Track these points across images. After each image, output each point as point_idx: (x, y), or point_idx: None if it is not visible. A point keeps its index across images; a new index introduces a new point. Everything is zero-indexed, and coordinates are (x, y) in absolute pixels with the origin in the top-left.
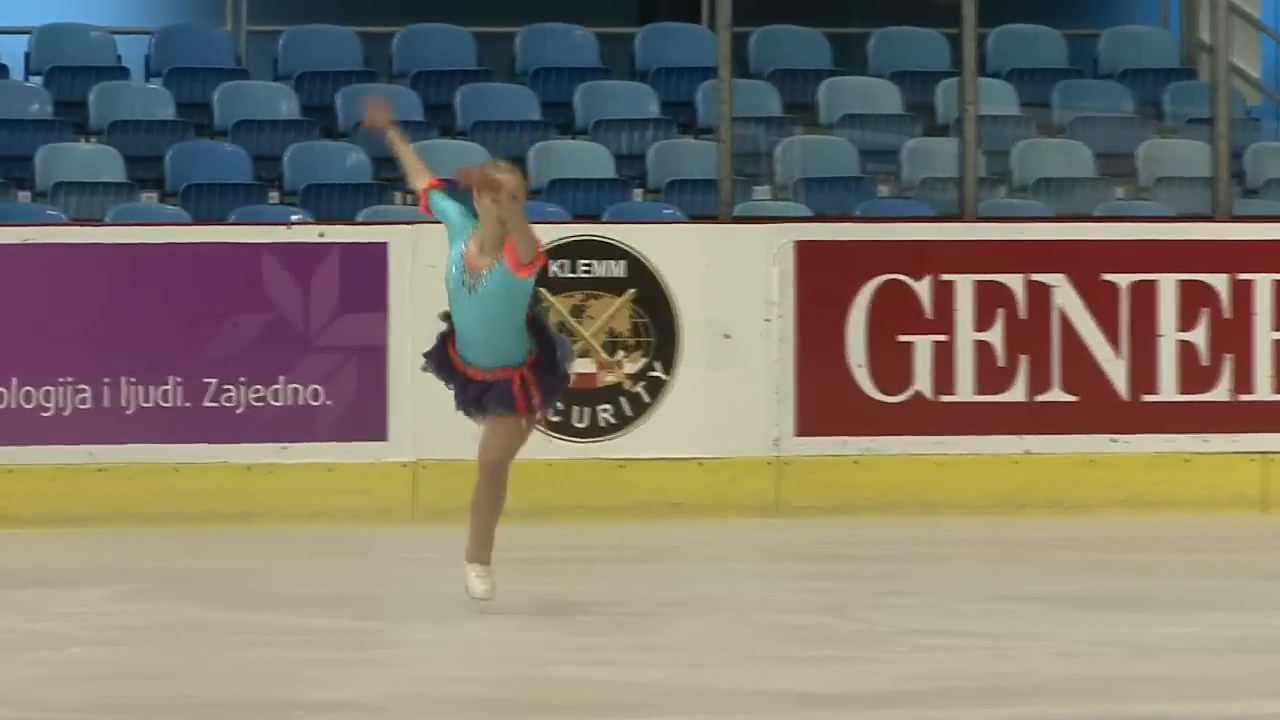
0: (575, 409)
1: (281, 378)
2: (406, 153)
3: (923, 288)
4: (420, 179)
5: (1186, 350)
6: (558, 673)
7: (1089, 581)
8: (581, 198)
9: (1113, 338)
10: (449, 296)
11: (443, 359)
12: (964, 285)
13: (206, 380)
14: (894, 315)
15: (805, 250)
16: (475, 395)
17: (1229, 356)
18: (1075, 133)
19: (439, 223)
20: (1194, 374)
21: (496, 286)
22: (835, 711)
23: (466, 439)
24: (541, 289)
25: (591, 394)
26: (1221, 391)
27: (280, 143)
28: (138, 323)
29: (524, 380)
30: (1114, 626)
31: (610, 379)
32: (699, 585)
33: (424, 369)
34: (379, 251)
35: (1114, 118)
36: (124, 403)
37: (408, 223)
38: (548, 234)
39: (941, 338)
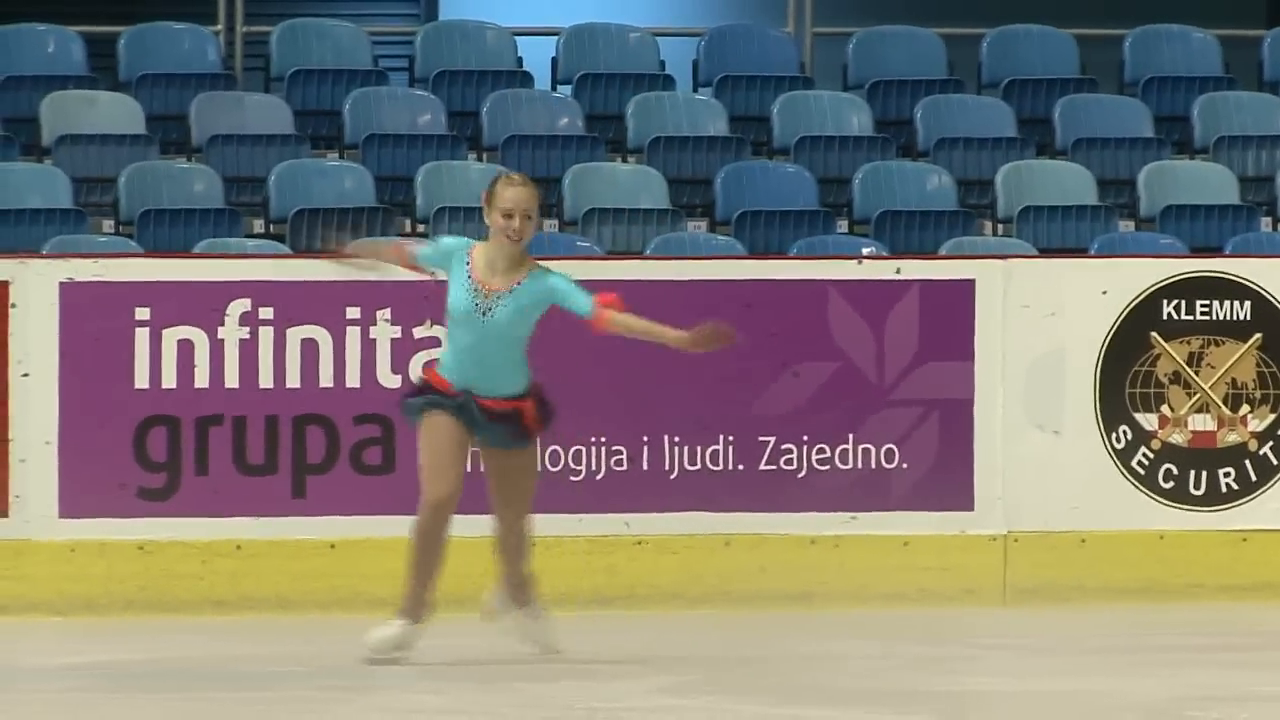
0: (1192, 473)
1: (851, 436)
2: (368, 260)
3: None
4: (395, 260)
5: None
6: None
7: None
8: (1200, 227)
9: None
10: (455, 322)
11: (432, 390)
12: None
13: (763, 439)
14: None
15: None
16: (483, 418)
17: None
18: None
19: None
20: None
21: (515, 310)
22: None
23: (1062, 508)
24: (1154, 333)
25: (1209, 455)
26: None
27: (850, 163)
28: (682, 373)
29: (536, 408)
30: None
31: (1233, 438)
32: None
33: (410, 412)
34: (964, 290)
35: None
36: (666, 466)
37: (999, 256)
38: (1163, 269)
39: None
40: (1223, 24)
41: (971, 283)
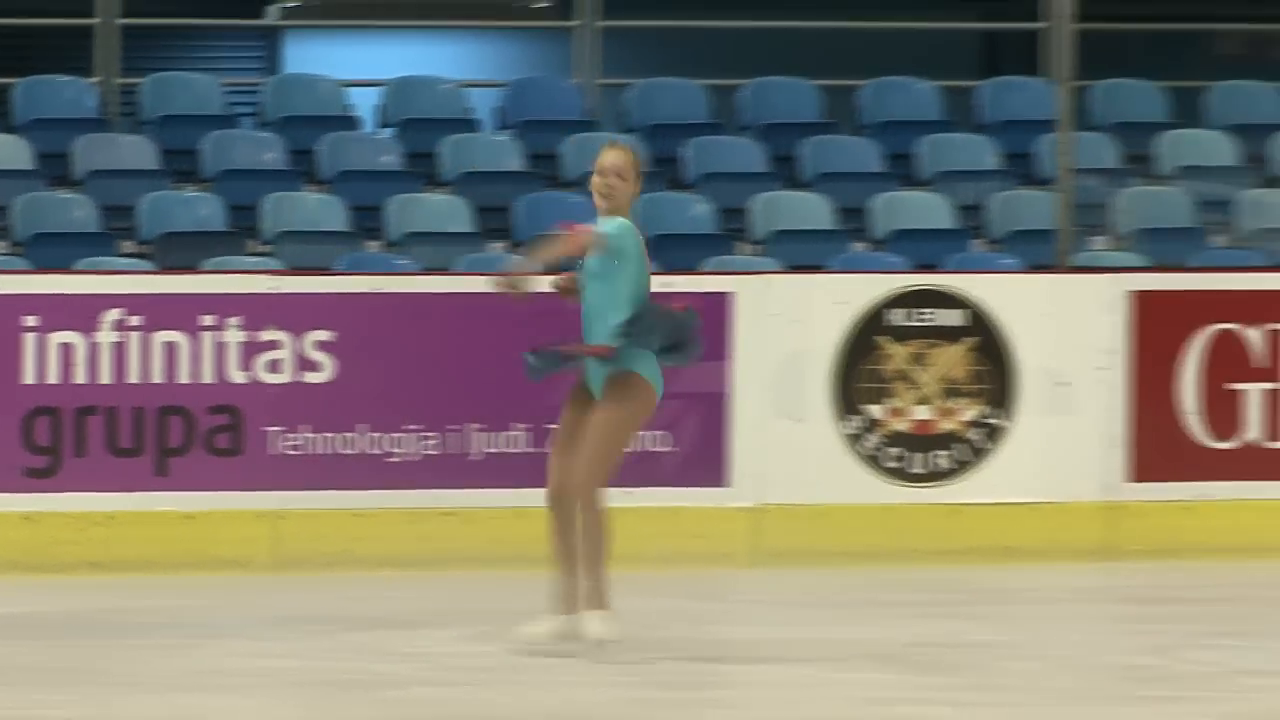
0: (914, 455)
1: None
2: (544, 255)
3: (1255, 337)
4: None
5: None
6: (894, 713)
7: None
8: (923, 248)
9: None
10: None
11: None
12: None
13: (550, 426)
14: (1226, 364)
15: (1141, 300)
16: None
17: None
18: None
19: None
20: None
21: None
22: None
23: (805, 485)
24: (881, 337)
25: (928, 440)
26: None
27: None
28: (487, 370)
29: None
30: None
31: (948, 426)
32: (1031, 628)
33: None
34: (725, 301)
35: None
36: (471, 448)
37: (754, 273)
38: (890, 283)
39: (1273, 386)
40: (943, 75)
41: (731, 295)
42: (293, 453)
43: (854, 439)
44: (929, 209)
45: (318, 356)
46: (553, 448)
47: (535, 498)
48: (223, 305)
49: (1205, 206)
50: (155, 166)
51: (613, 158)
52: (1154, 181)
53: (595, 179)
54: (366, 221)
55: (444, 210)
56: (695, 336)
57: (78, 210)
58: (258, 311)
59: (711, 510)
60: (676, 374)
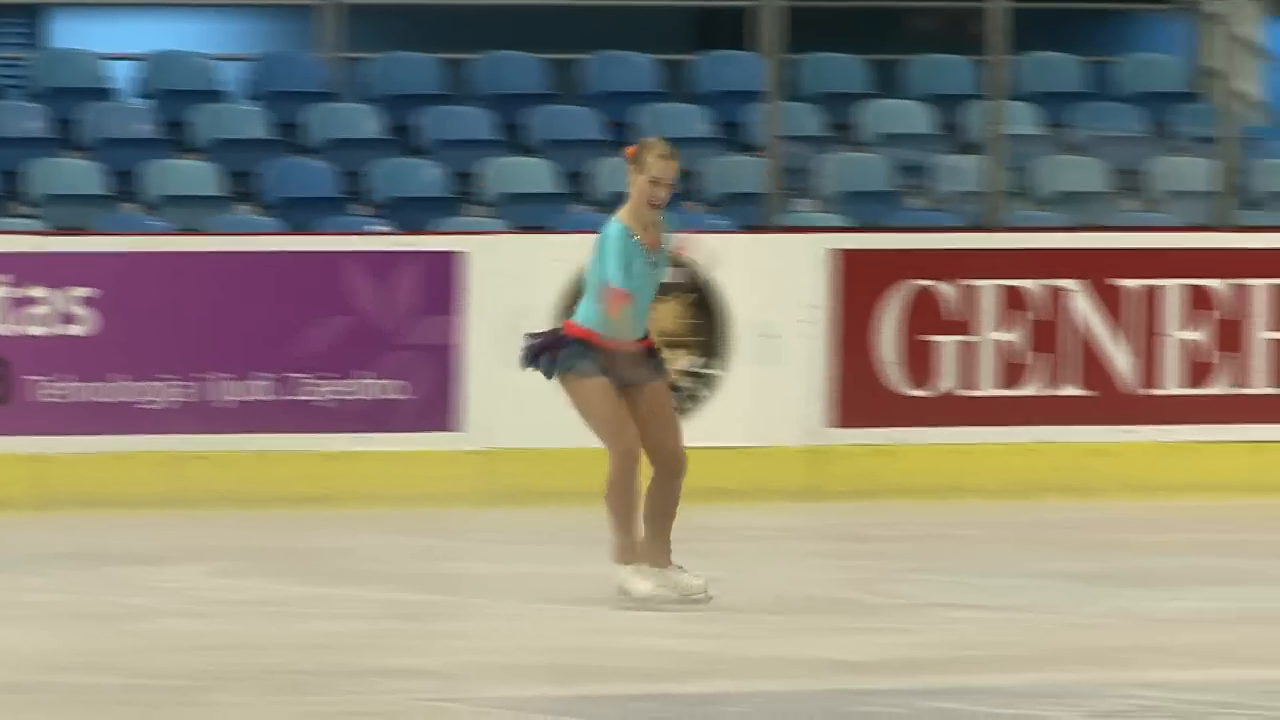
0: None
1: (366, 373)
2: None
3: (949, 292)
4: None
5: (1189, 349)
6: (618, 643)
7: (1099, 560)
8: None
9: (1122, 337)
10: (636, 283)
11: (582, 349)
12: (988, 290)
13: (294, 376)
14: (922, 317)
15: (843, 258)
16: (627, 364)
17: (1228, 354)
18: (1092, 150)
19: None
20: (1196, 370)
21: (665, 260)
22: (863, 676)
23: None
24: None
25: None
26: (1221, 386)
27: (366, 159)
28: (235, 324)
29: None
30: (1121, 601)
31: None
32: (743, 564)
33: (562, 366)
34: (457, 260)
35: (1127, 137)
36: (220, 396)
37: (483, 233)
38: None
39: (966, 338)
40: (660, 49)
41: (463, 254)
42: (55, 400)
43: None
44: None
45: (79, 311)
46: (618, 411)
47: (281, 442)
48: None
49: (903, 171)
50: None
51: (672, 169)
52: (856, 148)
53: (649, 186)
54: (124, 185)
55: (196, 175)
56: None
57: None
58: (24, 269)
59: (445, 454)
60: (411, 327)
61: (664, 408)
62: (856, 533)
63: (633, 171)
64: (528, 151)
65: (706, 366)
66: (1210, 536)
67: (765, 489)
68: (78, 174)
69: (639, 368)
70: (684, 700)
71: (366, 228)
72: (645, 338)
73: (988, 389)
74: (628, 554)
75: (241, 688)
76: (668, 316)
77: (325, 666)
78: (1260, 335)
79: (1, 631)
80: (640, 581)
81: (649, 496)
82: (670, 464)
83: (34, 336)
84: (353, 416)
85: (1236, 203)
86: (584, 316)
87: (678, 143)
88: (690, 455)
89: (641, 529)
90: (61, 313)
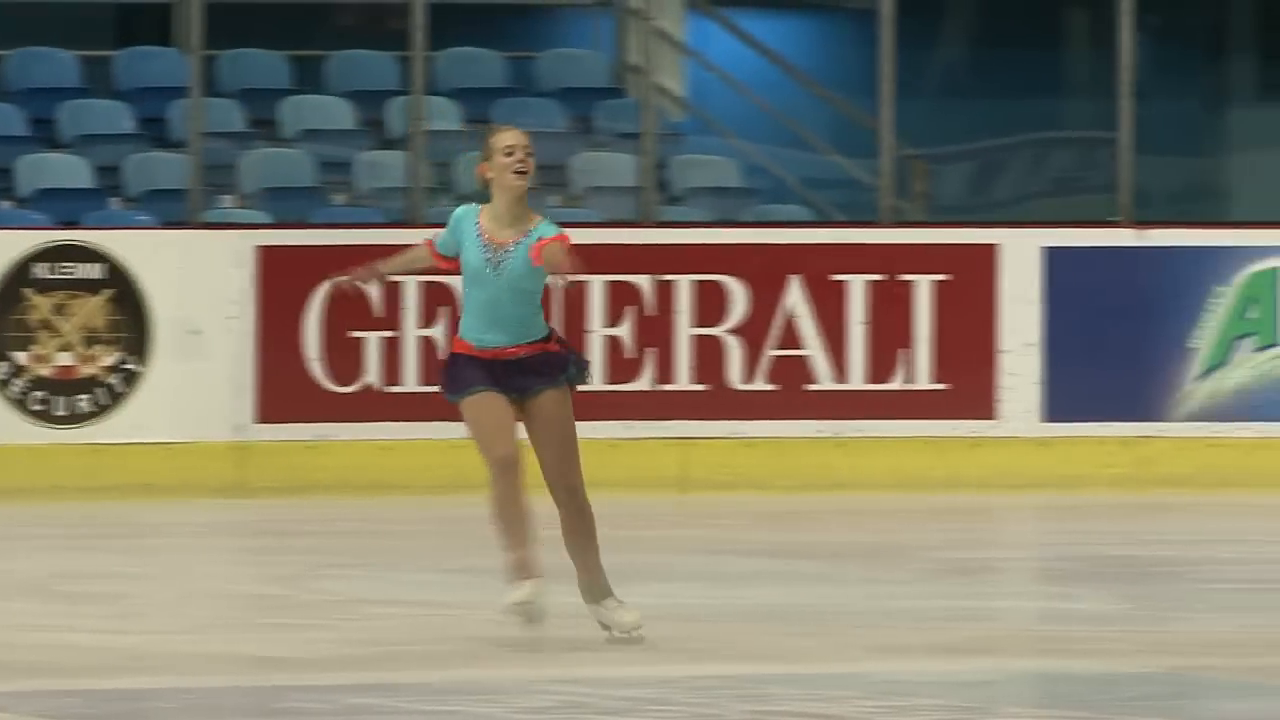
0: (56, 399)
1: None
2: (395, 264)
3: (372, 290)
4: (421, 257)
5: (614, 345)
6: (39, 639)
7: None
8: (64, 206)
9: None
10: (469, 280)
11: (462, 363)
12: (409, 286)
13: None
14: (348, 314)
15: (266, 254)
16: (512, 372)
17: (653, 350)
18: (299, 144)
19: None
20: (621, 366)
21: (523, 262)
22: (290, 673)
23: None
24: (26, 289)
25: (70, 384)
26: (645, 382)
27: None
28: None
29: (562, 344)
30: (550, 596)
31: (89, 371)
32: (167, 560)
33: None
34: None
35: (549, 132)
36: None
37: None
38: (34, 239)
39: (390, 334)
40: (81, 45)
41: None
42: None
43: (2, 384)
44: (70, 170)
45: None
46: (491, 423)
47: None
48: None
49: (326, 167)
50: None
51: (521, 135)
52: (278, 144)
53: (504, 159)
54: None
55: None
56: None
57: None
58: None
59: None
60: None
61: (550, 426)
62: (284, 529)
63: (485, 163)
64: None
65: (130, 363)
66: (639, 533)
67: (192, 485)
68: None
69: (528, 375)
70: (109, 696)
71: None
72: (536, 343)
73: (410, 385)
74: (518, 570)
75: None
76: (92, 313)
77: None
78: (684, 331)
79: None
80: (512, 594)
81: (563, 535)
82: (567, 502)
83: None
84: None
85: (659, 199)
86: (461, 328)
87: (100, 139)
88: (116, 451)
89: (528, 542)
90: None
